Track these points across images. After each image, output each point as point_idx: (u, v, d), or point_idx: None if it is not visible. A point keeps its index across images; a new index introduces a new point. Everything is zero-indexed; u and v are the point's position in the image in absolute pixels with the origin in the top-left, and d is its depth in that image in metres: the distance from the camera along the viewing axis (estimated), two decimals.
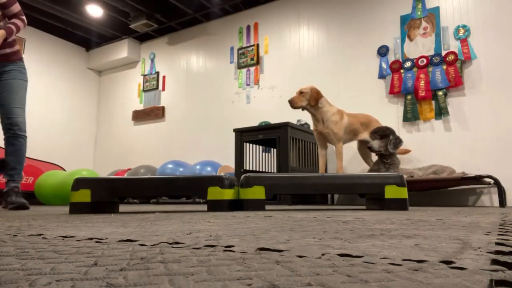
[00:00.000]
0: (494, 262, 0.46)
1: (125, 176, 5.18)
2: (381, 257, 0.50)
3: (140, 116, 6.79)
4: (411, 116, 4.25)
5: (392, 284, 0.36)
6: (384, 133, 3.48)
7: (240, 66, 5.75)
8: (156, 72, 6.78)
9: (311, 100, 3.61)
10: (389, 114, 4.39)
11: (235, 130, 4.12)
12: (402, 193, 2.10)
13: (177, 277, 0.39)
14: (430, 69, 4.18)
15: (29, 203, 2.93)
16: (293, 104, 3.65)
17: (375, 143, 3.48)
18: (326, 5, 5.13)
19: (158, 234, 0.82)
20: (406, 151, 4.04)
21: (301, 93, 3.66)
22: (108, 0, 5.63)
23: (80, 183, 2.07)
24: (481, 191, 3.84)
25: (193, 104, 6.25)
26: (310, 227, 0.99)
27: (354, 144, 4.23)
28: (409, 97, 4.27)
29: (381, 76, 4.53)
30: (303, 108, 3.70)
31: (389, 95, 4.45)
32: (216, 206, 2.03)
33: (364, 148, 4.13)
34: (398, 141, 3.47)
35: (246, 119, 5.47)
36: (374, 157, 4.00)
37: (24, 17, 2.99)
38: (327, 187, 2.23)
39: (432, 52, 4.25)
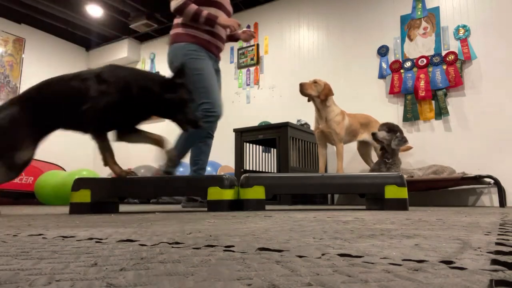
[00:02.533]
0: (494, 262, 0.46)
1: None
2: (381, 257, 0.50)
3: None
4: (411, 116, 4.25)
5: (392, 284, 0.36)
6: (392, 128, 3.51)
7: (240, 66, 5.75)
8: (156, 72, 6.77)
9: (322, 94, 3.59)
10: (389, 114, 4.39)
11: (235, 130, 4.12)
12: (402, 193, 2.10)
13: (177, 277, 0.39)
14: (430, 69, 4.18)
15: (29, 203, 2.93)
16: (303, 88, 3.63)
17: (380, 133, 3.49)
18: (326, 5, 5.13)
19: (158, 234, 0.82)
20: (408, 148, 4.05)
21: (314, 82, 3.65)
22: (108, 0, 5.63)
23: (80, 183, 2.07)
24: (481, 191, 3.84)
25: None
26: (310, 227, 0.99)
27: (354, 145, 4.23)
28: (409, 97, 4.27)
29: (381, 76, 4.53)
30: (310, 98, 3.66)
31: (389, 95, 4.45)
32: (216, 206, 2.03)
33: (364, 148, 4.13)
34: (403, 140, 3.50)
35: (246, 119, 5.46)
36: (374, 157, 4.00)
37: None
38: (327, 187, 2.23)
39: (432, 52, 4.25)
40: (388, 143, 3.48)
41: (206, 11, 2.61)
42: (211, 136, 2.98)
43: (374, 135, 3.51)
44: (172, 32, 2.80)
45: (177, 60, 2.67)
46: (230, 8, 2.90)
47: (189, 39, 2.68)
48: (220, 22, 2.64)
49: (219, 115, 2.81)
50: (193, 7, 2.59)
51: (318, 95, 3.60)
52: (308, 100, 3.71)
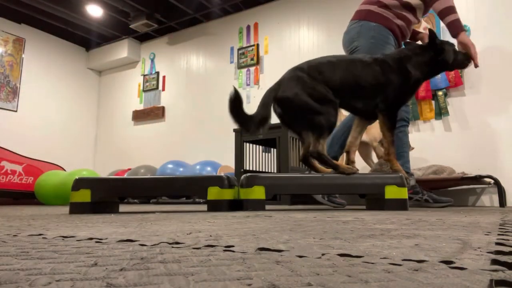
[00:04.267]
0: (494, 262, 0.46)
1: (125, 176, 5.18)
2: (381, 257, 0.50)
3: (140, 116, 6.78)
4: (411, 116, 4.25)
5: (392, 284, 0.36)
6: None
7: (240, 66, 5.75)
8: (156, 72, 6.78)
9: None
10: None
11: (235, 130, 4.12)
12: (402, 193, 2.09)
13: (177, 277, 0.39)
14: None
15: (29, 203, 2.91)
16: None
17: None
18: (326, 5, 5.13)
19: (158, 234, 0.83)
20: (410, 149, 4.04)
21: None
22: (108, 0, 5.63)
23: (80, 183, 2.07)
24: (481, 191, 3.84)
25: (193, 104, 6.25)
26: (310, 227, 0.99)
27: None
28: None
29: None
30: None
31: None
32: (216, 206, 2.03)
33: (364, 149, 4.12)
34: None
35: None
36: (375, 158, 4.00)
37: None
38: (327, 187, 2.22)
39: None
40: None
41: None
42: (408, 123, 2.75)
43: None
44: (363, 7, 2.52)
45: (360, 40, 2.43)
46: None
47: (382, 20, 2.42)
48: (463, 37, 2.44)
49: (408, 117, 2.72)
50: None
51: None
52: None
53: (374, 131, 3.73)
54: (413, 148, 4.05)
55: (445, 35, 4.22)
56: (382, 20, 2.43)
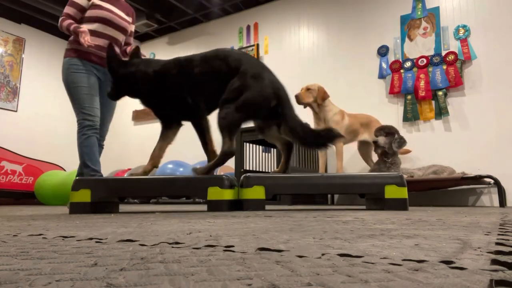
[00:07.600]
0: (494, 262, 0.46)
1: (125, 176, 5.17)
2: (381, 257, 0.50)
3: (140, 116, 6.78)
4: (411, 116, 4.25)
5: (392, 284, 0.36)
6: (390, 131, 3.51)
7: None
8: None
9: (318, 98, 3.62)
10: (389, 114, 4.39)
11: None
12: (402, 193, 2.09)
13: (177, 277, 0.39)
14: (430, 69, 4.18)
15: (29, 203, 2.92)
16: (299, 99, 3.65)
17: (381, 139, 3.49)
18: (326, 5, 5.13)
19: (158, 234, 0.83)
20: (407, 151, 4.04)
21: (308, 89, 3.66)
22: None
23: (80, 183, 2.07)
24: (481, 191, 3.84)
25: None
26: (310, 227, 0.99)
27: (354, 144, 4.23)
28: (409, 97, 4.27)
29: (381, 76, 4.53)
30: (308, 105, 3.69)
31: (389, 95, 4.45)
32: (216, 206, 2.03)
33: (365, 148, 4.12)
34: (402, 141, 3.51)
35: None
36: (375, 157, 4.00)
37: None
38: (327, 187, 2.23)
39: (432, 52, 4.25)
40: (389, 146, 3.49)
41: (75, 25, 2.70)
42: (101, 146, 3.01)
43: (376, 143, 3.52)
44: (66, 47, 2.94)
45: (63, 73, 2.86)
46: (124, 23, 2.94)
47: (71, 54, 2.82)
48: (77, 34, 2.74)
49: (94, 124, 2.84)
50: (65, 23, 2.71)
51: (315, 100, 3.63)
52: (305, 107, 3.73)
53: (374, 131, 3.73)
54: (410, 151, 4.05)
55: (445, 34, 4.23)
56: (72, 54, 2.81)
